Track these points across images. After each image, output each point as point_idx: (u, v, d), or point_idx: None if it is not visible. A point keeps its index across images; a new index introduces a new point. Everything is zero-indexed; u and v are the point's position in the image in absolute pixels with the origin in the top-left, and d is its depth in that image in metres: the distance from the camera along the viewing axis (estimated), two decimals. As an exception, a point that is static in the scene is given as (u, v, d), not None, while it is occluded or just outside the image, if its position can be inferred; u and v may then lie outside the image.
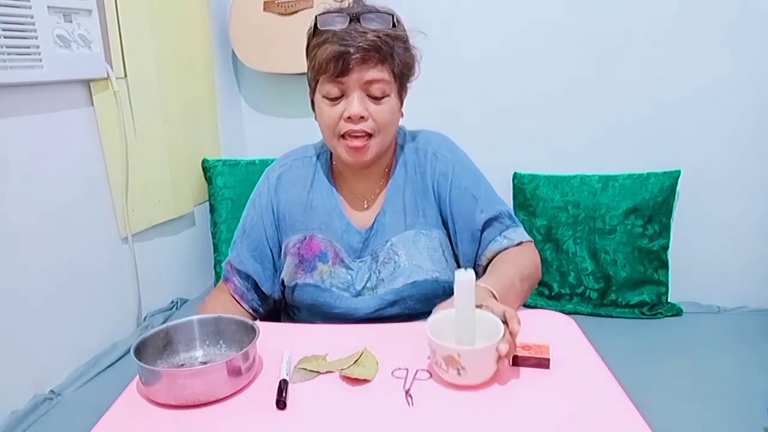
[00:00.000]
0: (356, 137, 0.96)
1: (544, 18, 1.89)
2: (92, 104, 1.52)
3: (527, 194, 1.91)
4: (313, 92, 1.02)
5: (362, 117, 0.95)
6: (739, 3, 1.73)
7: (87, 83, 1.50)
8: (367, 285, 1.03)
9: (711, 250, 1.90)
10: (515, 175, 1.95)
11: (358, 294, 1.03)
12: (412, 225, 1.05)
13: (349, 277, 1.04)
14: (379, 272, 1.03)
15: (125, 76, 1.61)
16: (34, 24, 1.29)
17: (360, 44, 0.91)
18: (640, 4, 1.81)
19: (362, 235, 1.05)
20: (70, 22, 1.40)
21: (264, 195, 1.10)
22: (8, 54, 1.23)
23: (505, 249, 1.04)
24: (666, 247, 1.83)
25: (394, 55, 0.96)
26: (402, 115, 1.04)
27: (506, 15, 1.92)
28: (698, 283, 1.90)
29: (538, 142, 1.98)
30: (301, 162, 1.11)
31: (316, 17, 0.97)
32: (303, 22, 1.91)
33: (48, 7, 1.32)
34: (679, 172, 1.82)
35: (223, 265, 1.15)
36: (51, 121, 1.40)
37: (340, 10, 0.96)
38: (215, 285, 1.93)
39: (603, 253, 1.83)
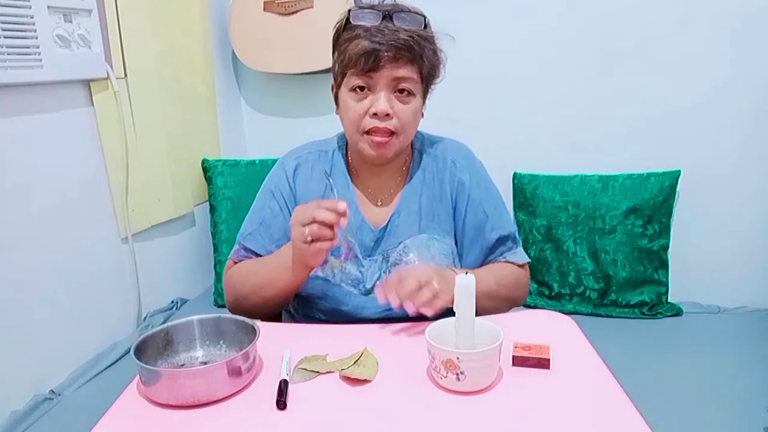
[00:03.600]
0: (381, 134, 0.97)
1: (545, 19, 1.89)
2: (92, 104, 1.52)
3: (527, 194, 1.91)
4: (338, 86, 1.02)
5: (388, 114, 0.95)
6: (740, 5, 1.73)
7: (87, 83, 1.50)
8: (377, 284, 1.04)
9: (711, 250, 1.90)
10: (515, 175, 1.95)
11: (368, 292, 1.04)
12: (426, 229, 1.05)
13: (360, 274, 1.04)
14: (390, 272, 1.03)
15: (125, 76, 1.61)
16: (34, 24, 1.29)
17: (392, 42, 0.92)
18: (640, 5, 1.81)
19: (375, 234, 1.05)
20: (70, 22, 1.40)
21: (284, 185, 1.08)
22: (8, 54, 1.24)
23: None
24: (666, 247, 1.83)
25: (423, 57, 0.96)
26: (423, 116, 1.05)
27: (507, 15, 1.92)
28: (698, 283, 1.90)
29: (538, 142, 1.98)
30: (317, 156, 1.10)
31: (348, 11, 0.97)
32: (303, 22, 1.92)
33: (48, 7, 1.32)
34: (679, 172, 1.82)
35: (228, 257, 1.11)
36: (51, 121, 1.40)
37: (372, 7, 0.96)
38: (215, 285, 1.94)
39: (603, 253, 1.83)
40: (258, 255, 1.06)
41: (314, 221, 0.86)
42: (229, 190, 1.95)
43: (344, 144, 1.11)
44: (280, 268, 0.96)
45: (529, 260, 1.11)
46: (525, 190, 1.92)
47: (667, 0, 1.79)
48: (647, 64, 1.84)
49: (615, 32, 1.85)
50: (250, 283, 1.02)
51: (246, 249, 1.07)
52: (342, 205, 0.85)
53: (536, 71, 1.94)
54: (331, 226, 0.86)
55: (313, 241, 0.87)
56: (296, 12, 1.92)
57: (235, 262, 1.08)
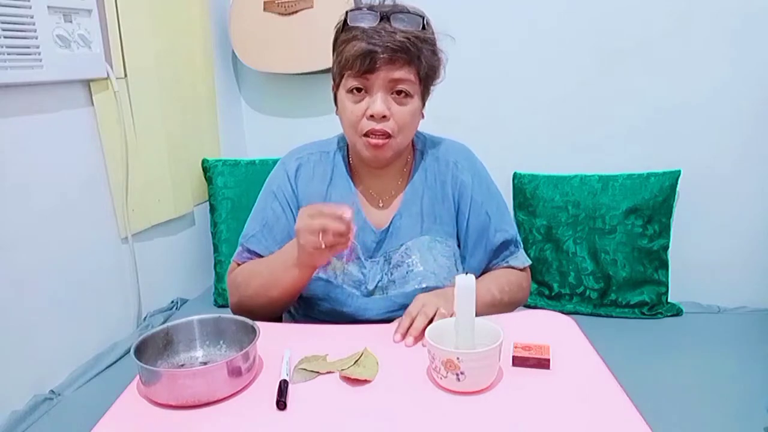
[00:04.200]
0: (377, 136, 0.97)
1: (545, 19, 1.89)
2: (92, 104, 1.52)
3: (527, 194, 1.91)
4: (337, 87, 1.02)
5: (384, 116, 0.95)
6: (740, 5, 1.73)
7: (87, 83, 1.50)
8: (379, 285, 1.04)
9: (711, 250, 1.90)
10: (515, 175, 1.95)
11: (369, 294, 1.03)
12: (428, 231, 1.05)
13: (362, 275, 1.04)
14: (391, 274, 1.03)
15: (125, 76, 1.61)
16: (34, 24, 1.29)
17: (388, 44, 0.91)
18: (640, 5, 1.81)
19: (377, 235, 1.05)
20: (70, 22, 1.40)
21: (286, 185, 1.07)
22: (8, 54, 1.24)
23: None
24: (666, 247, 1.83)
25: (421, 58, 0.95)
26: (423, 117, 1.04)
27: (507, 15, 1.92)
28: (698, 283, 1.90)
29: (538, 142, 1.98)
30: (319, 156, 1.10)
31: (346, 13, 0.97)
32: (303, 22, 1.92)
33: (48, 7, 1.32)
34: (679, 172, 1.82)
35: (228, 256, 1.11)
36: (51, 121, 1.40)
37: (370, 8, 0.96)
38: (215, 285, 1.94)
39: (603, 253, 1.83)
40: (261, 257, 1.06)
41: (327, 231, 0.85)
42: (229, 190, 1.95)
43: (345, 145, 1.10)
44: (284, 267, 0.96)
45: (530, 263, 1.12)
46: (525, 190, 1.92)
47: (667, 0, 1.79)
48: (647, 64, 1.84)
49: (615, 32, 1.85)
50: (254, 283, 1.01)
51: (249, 251, 1.07)
52: (347, 213, 0.85)
53: (536, 71, 1.94)
54: (343, 234, 0.86)
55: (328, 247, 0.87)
56: (296, 12, 1.92)
57: (239, 264, 1.08)
